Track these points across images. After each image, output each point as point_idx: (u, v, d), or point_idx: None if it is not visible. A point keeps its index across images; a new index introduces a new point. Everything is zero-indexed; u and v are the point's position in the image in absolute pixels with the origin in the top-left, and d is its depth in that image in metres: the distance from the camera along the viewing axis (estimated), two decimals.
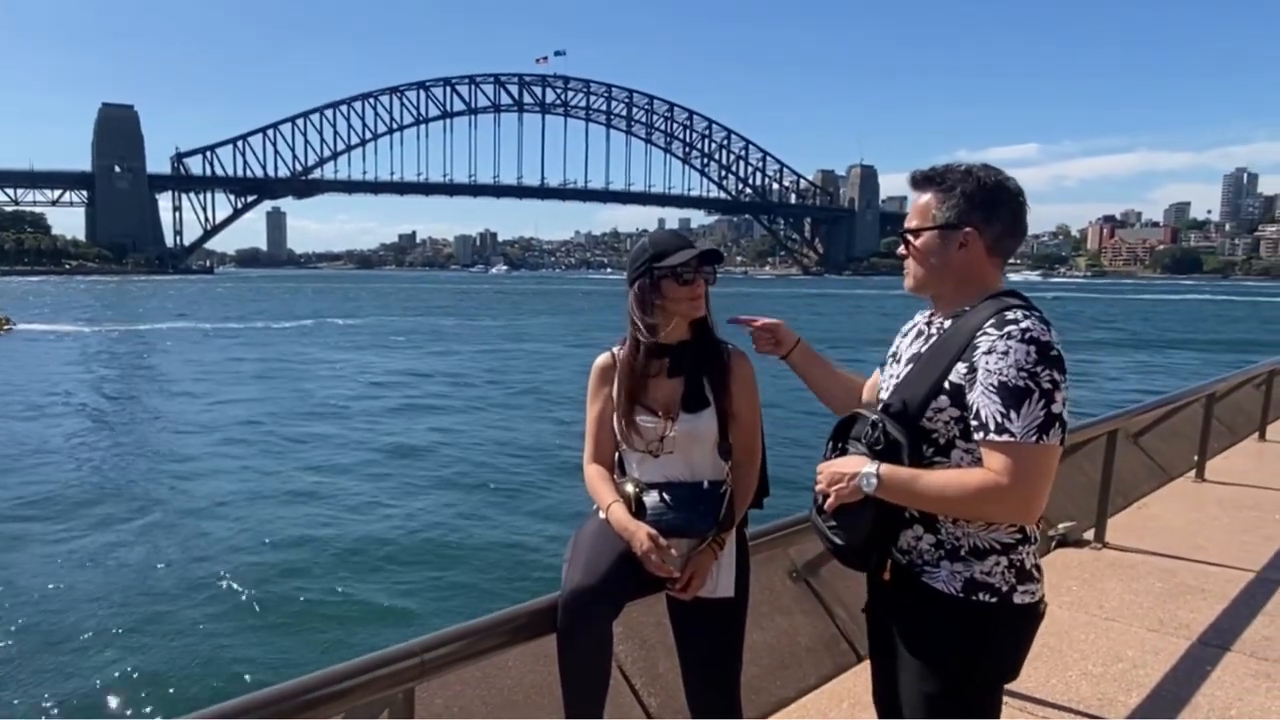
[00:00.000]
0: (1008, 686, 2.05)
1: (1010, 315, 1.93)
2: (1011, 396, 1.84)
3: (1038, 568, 2.04)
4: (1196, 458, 7.36)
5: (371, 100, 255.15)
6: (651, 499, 2.51)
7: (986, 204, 2.04)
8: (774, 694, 3.64)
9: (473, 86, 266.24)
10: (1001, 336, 1.89)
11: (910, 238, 2.14)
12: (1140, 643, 4.08)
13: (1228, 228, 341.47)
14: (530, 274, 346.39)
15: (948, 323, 2.07)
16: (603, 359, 2.69)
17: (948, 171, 2.09)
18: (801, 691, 3.68)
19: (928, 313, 2.20)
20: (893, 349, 2.25)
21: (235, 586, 9.52)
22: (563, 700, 2.49)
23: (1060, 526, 5.48)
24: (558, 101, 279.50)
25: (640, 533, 2.42)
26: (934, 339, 2.08)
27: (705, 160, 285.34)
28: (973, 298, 2.05)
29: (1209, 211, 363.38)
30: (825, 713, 3.51)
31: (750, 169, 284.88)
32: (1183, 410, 7.60)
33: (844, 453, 2.10)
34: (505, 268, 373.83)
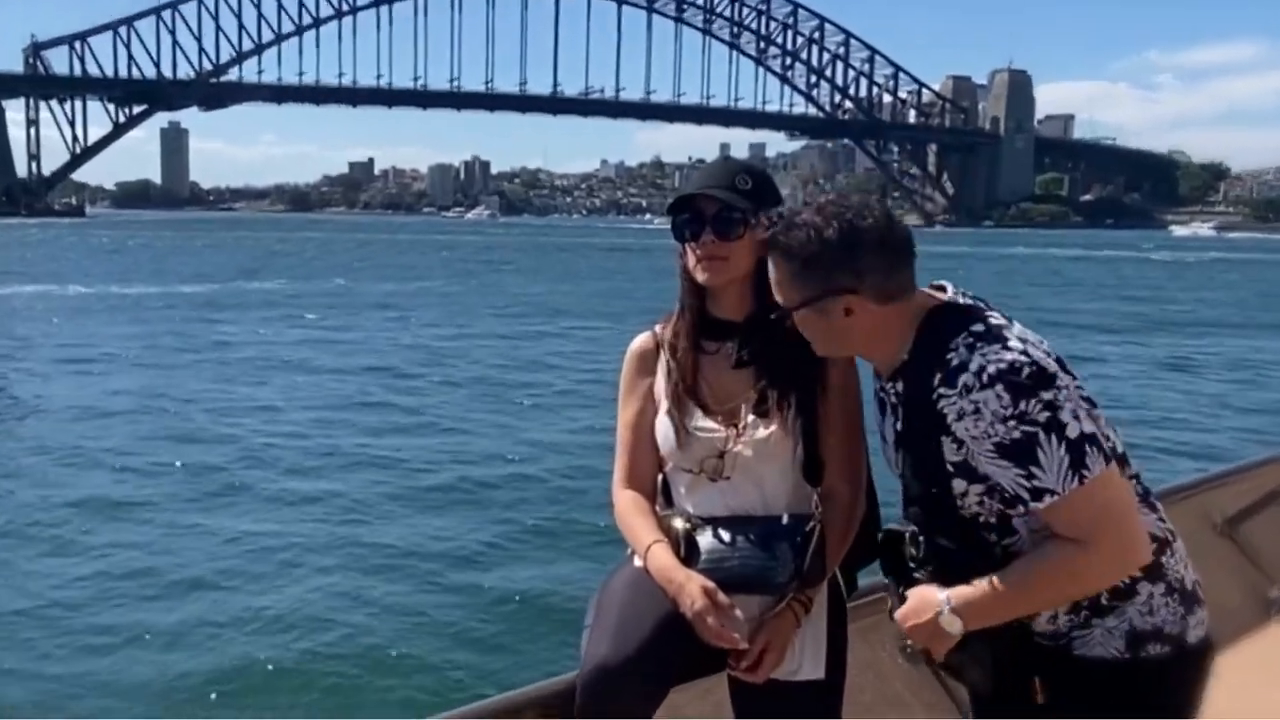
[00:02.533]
0: None
1: (954, 360, 2.07)
2: (1018, 454, 2.00)
3: (1196, 582, 2.19)
4: None
5: None
6: (707, 539, 2.50)
7: (848, 253, 2.17)
8: None
9: None
10: (961, 394, 2.04)
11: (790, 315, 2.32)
12: None
13: None
14: (536, 221, 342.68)
15: (899, 386, 2.26)
16: (641, 341, 2.72)
17: (789, 229, 2.24)
18: None
19: (876, 377, 2.42)
20: (879, 431, 2.46)
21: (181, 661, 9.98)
22: None
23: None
24: None
25: (693, 585, 2.41)
26: (900, 412, 2.27)
27: (788, 61, 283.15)
28: (898, 346, 2.25)
29: None
30: None
31: (853, 74, 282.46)
32: None
33: (909, 584, 2.24)
34: (486, 212, 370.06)
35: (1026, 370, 2.00)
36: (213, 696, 9.12)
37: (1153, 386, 28.16)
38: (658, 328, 2.69)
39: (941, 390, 2.07)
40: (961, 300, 2.24)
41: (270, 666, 9.67)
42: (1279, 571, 5.70)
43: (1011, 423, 1.97)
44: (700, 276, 2.55)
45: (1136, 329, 42.75)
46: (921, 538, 2.17)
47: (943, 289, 2.28)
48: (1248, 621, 5.39)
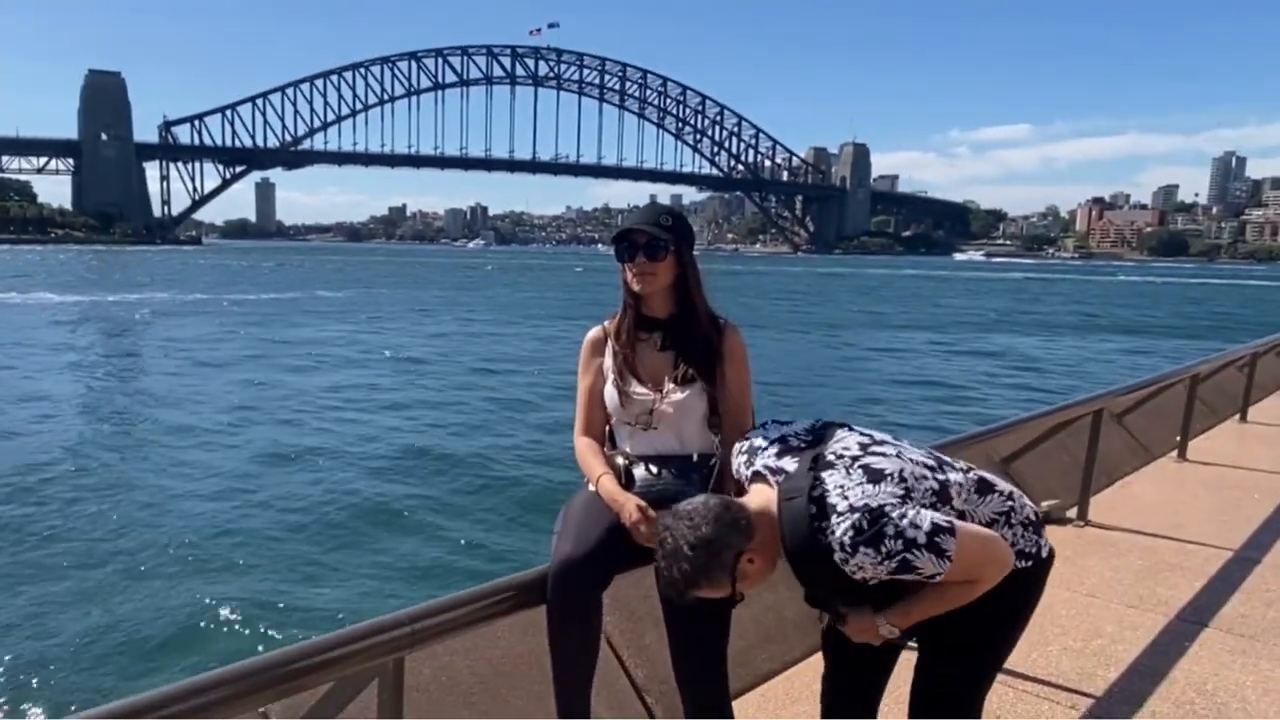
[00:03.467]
0: None
1: (824, 544, 1.96)
2: (905, 570, 1.91)
3: (1038, 512, 2.22)
4: (1179, 438, 7.43)
5: (362, 71, 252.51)
6: (641, 471, 2.54)
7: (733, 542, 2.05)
8: (759, 666, 3.67)
9: (465, 58, 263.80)
10: (845, 565, 1.93)
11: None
12: (1119, 619, 4.14)
13: (1215, 211, 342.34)
14: (521, 249, 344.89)
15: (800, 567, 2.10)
16: (594, 332, 2.72)
17: (672, 554, 2.05)
18: (786, 664, 3.72)
19: None
20: None
21: (220, 557, 9.55)
22: (551, 670, 2.52)
23: (1044, 504, 5.53)
24: (550, 74, 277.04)
25: (629, 504, 2.44)
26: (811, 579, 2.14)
27: (698, 136, 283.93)
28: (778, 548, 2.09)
29: (1196, 194, 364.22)
30: (809, 684, 3.55)
31: (743, 145, 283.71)
32: (1166, 391, 7.65)
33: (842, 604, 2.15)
34: (481, 242, 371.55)
35: (866, 523, 1.91)
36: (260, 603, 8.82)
37: (945, 363, 28.50)
38: (606, 322, 2.72)
39: (836, 563, 1.94)
40: (791, 491, 2.07)
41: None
42: (1039, 495, 5.72)
43: (886, 562, 1.90)
44: (635, 287, 2.58)
45: (930, 325, 43.30)
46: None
47: (766, 480, 2.15)
48: None
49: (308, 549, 9.87)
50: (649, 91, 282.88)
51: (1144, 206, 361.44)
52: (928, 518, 1.91)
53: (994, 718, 3.27)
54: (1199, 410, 7.84)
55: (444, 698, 2.90)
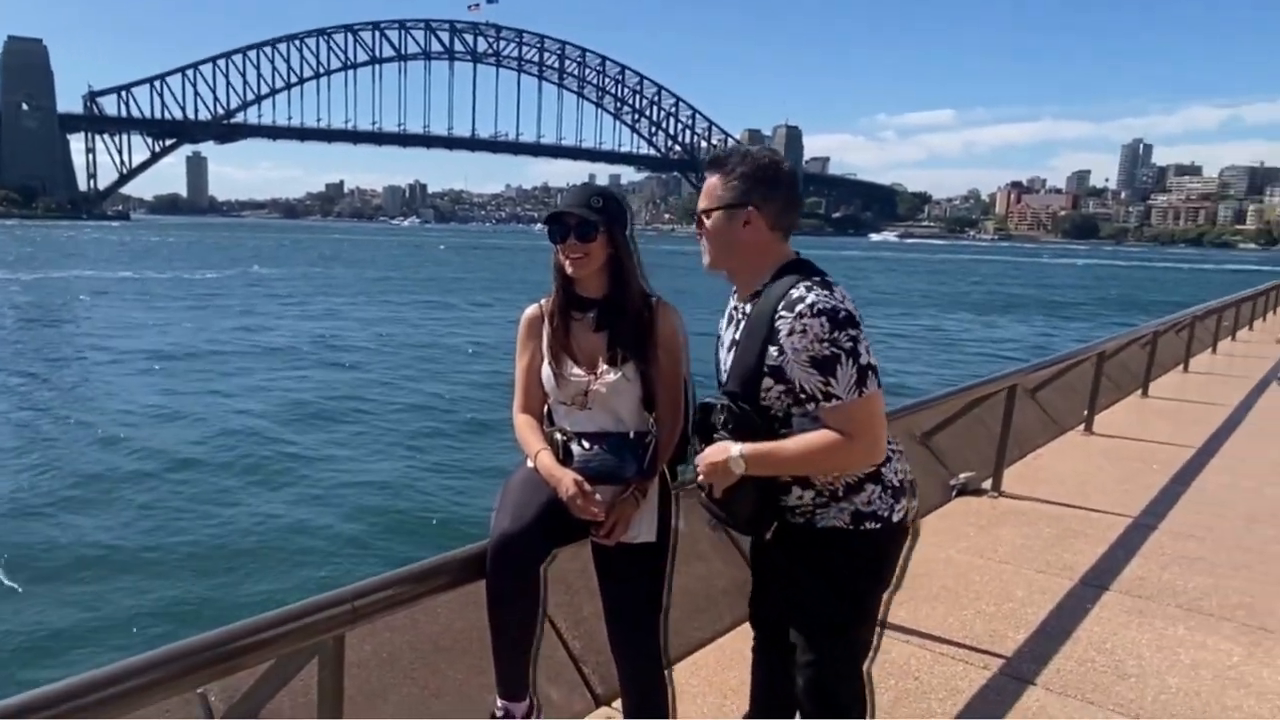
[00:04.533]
0: (910, 625, 2.24)
1: (795, 294, 2.08)
2: (824, 367, 2.03)
3: (909, 481, 2.27)
4: (1086, 412, 7.72)
5: (297, 43, 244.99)
6: (577, 448, 2.52)
7: (765, 183, 2.18)
8: (691, 636, 3.74)
9: (403, 32, 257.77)
10: (795, 317, 2.04)
11: (702, 218, 2.27)
12: (1029, 583, 4.31)
13: (1123, 195, 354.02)
14: (462, 226, 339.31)
15: (748, 306, 2.21)
16: (531, 310, 2.67)
17: (730, 155, 2.23)
18: (717, 633, 3.79)
19: (734, 298, 2.34)
20: (719, 336, 2.39)
21: (157, 539, 9.29)
22: (491, 645, 2.51)
23: (961, 476, 5.71)
24: (489, 51, 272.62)
25: (566, 478, 2.43)
26: (743, 324, 2.22)
27: (636, 116, 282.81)
28: (763, 273, 2.21)
29: (1107, 180, 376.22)
30: (739, 651, 3.62)
31: (680, 126, 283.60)
32: (1076, 368, 7.94)
33: (710, 442, 2.21)
34: (417, 220, 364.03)
35: (843, 313, 2.03)
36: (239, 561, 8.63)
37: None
38: (544, 300, 2.65)
39: (782, 312, 2.07)
40: (809, 262, 2.26)
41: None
42: (956, 467, 5.91)
43: (825, 344, 2.01)
44: (568, 269, 2.53)
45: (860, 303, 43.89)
46: (724, 412, 2.17)
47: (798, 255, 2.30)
48: (937, 500, 5.58)
49: (243, 534, 9.66)
50: (587, 70, 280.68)
51: (1059, 191, 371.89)
52: (872, 359, 2.06)
53: (914, 678, 3.39)
54: (1105, 386, 8.15)
55: (385, 674, 2.89)
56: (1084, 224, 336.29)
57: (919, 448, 5.93)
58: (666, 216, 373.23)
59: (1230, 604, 4.10)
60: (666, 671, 2.66)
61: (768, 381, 2.13)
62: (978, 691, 3.29)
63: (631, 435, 2.52)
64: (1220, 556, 4.72)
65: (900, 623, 3.83)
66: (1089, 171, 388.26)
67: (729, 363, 2.25)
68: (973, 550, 4.76)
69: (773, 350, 2.09)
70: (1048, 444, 7.16)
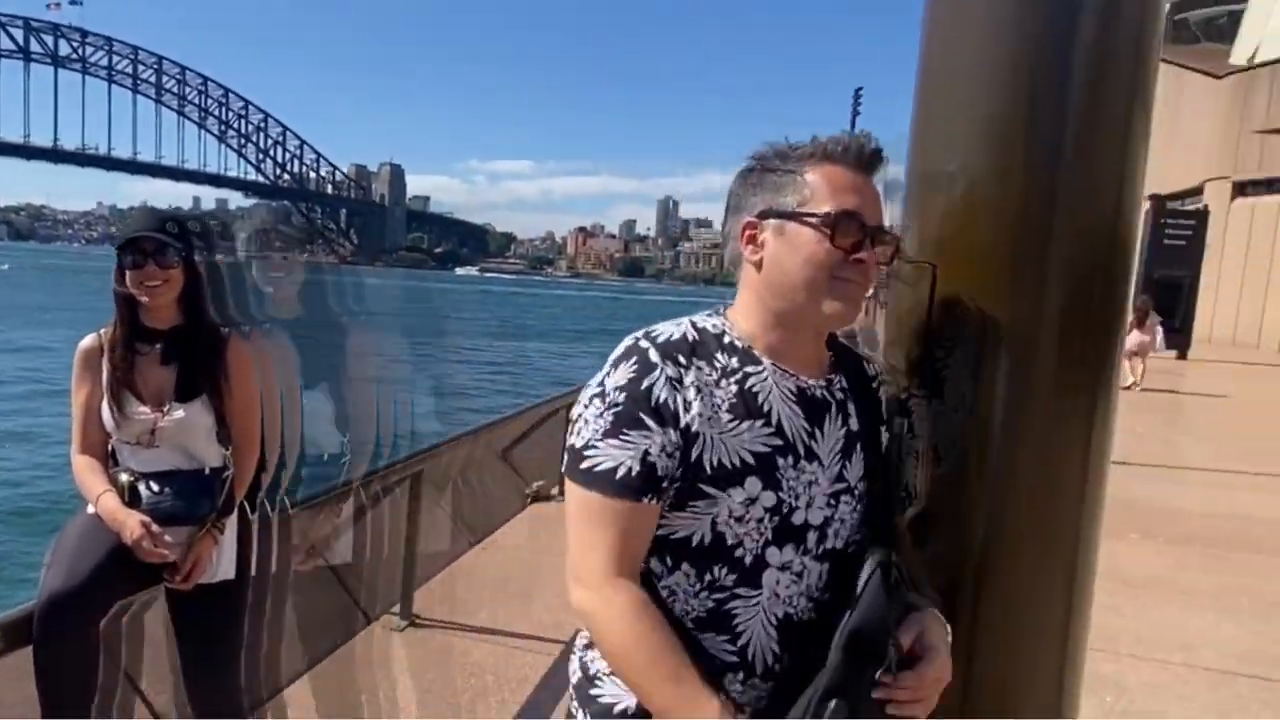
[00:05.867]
0: (490, 625, 2.17)
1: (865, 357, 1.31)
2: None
3: None
4: None
5: None
6: (145, 489, 2.14)
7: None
8: (291, 666, 3.37)
9: None
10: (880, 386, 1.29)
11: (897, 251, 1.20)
12: None
13: (660, 242, 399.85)
14: (42, 246, 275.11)
15: (840, 379, 1.22)
16: (88, 342, 2.22)
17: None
18: (313, 661, 3.47)
19: (770, 369, 1.14)
20: (791, 441, 1.12)
21: None
22: (41, 715, 2.01)
23: (534, 485, 5.91)
24: (74, 56, 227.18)
25: (130, 520, 2.06)
26: (852, 405, 1.20)
27: (242, 141, 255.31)
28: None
29: (649, 228, 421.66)
30: (335, 675, 3.37)
31: (288, 155, 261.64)
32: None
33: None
34: None
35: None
36: None
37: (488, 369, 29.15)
38: (103, 330, 2.22)
39: (883, 376, 1.29)
40: None
41: None
42: (532, 476, 6.09)
43: None
44: (144, 297, 2.15)
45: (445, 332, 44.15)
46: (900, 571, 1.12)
47: None
48: (516, 508, 5.70)
49: None
50: (188, 88, 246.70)
51: (614, 236, 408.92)
52: None
53: (490, 674, 3.39)
54: None
55: None
56: (633, 264, 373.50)
57: (499, 463, 6.03)
58: (278, 245, 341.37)
59: None
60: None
61: (908, 467, 1.30)
62: (541, 679, 3.38)
63: (208, 472, 2.20)
64: None
65: (481, 624, 3.84)
66: (635, 220, 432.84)
67: (849, 473, 1.16)
68: (543, 550, 4.93)
69: (885, 435, 1.24)
70: None
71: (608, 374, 1.11)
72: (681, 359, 1.10)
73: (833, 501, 1.13)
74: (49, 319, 33.58)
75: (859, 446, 1.17)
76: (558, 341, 42.31)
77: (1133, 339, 11.67)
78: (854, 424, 1.18)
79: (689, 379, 1.08)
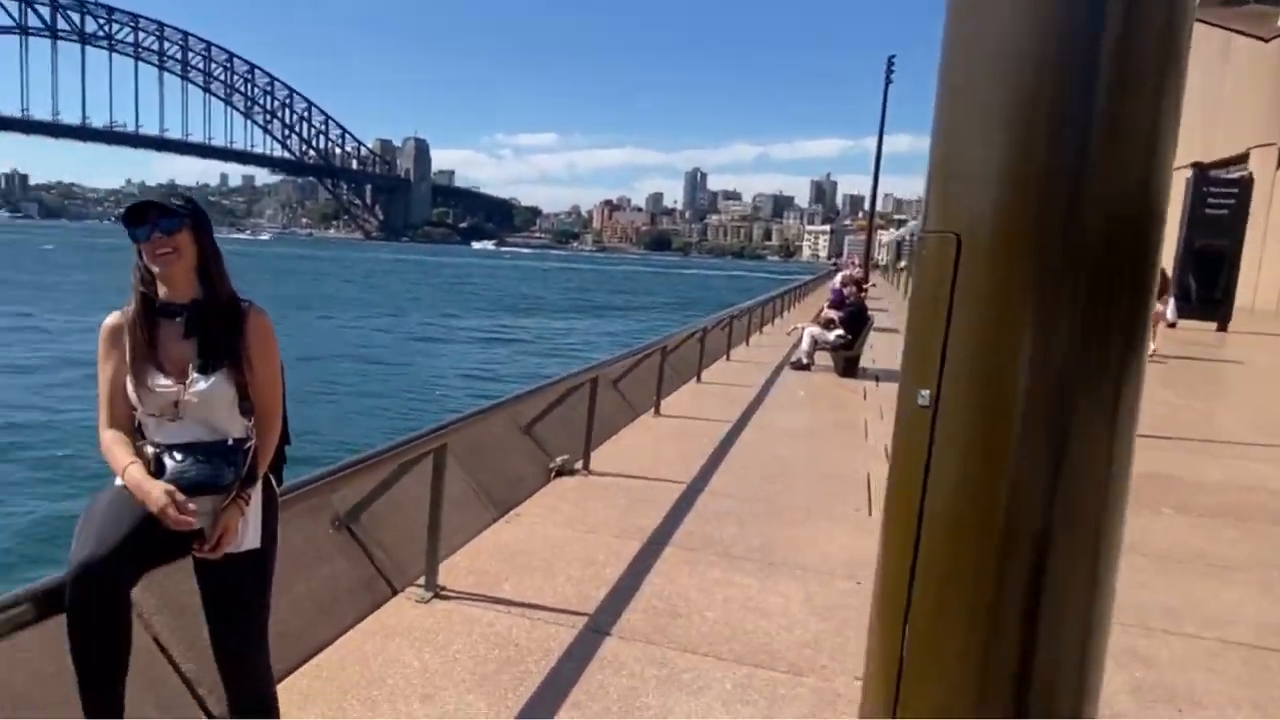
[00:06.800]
0: (513, 597, 2.21)
1: None
2: None
3: None
4: (655, 397, 8.47)
5: None
6: (170, 460, 2.18)
7: None
8: (315, 637, 3.44)
9: None
10: None
11: None
12: (608, 548, 4.59)
13: (687, 215, 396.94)
14: (74, 224, 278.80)
15: None
16: (111, 319, 2.26)
17: None
18: (340, 631, 3.54)
19: None
20: None
21: None
22: (78, 682, 2.06)
23: (558, 459, 5.94)
24: (100, 33, 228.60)
25: (156, 489, 2.09)
26: None
27: (268, 117, 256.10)
28: None
29: (675, 201, 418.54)
30: (360, 646, 3.43)
31: (314, 131, 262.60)
32: (645, 360, 8.68)
33: None
34: (5, 214, 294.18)
35: None
36: None
37: (473, 346, 29.23)
38: (128, 307, 2.25)
39: None
40: None
41: None
42: (554, 451, 6.09)
43: None
44: (155, 267, 2.18)
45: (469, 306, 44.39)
46: None
47: None
48: (540, 482, 5.73)
49: None
50: (213, 65, 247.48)
51: (640, 209, 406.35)
52: None
53: (514, 645, 3.44)
54: (668, 374, 9.00)
55: None
56: (660, 238, 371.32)
57: (523, 437, 6.08)
58: (304, 221, 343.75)
59: (751, 546, 4.72)
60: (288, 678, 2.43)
61: None
62: (565, 650, 3.42)
63: (230, 443, 2.23)
64: (745, 508, 5.41)
65: (505, 596, 3.89)
66: (662, 194, 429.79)
67: None
68: (565, 524, 4.97)
69: None
70: (626, 426, 7.72)
71: None
72: None
73: None
74: (102, 301, 34.28)
75: None
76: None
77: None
78: None
79: None
